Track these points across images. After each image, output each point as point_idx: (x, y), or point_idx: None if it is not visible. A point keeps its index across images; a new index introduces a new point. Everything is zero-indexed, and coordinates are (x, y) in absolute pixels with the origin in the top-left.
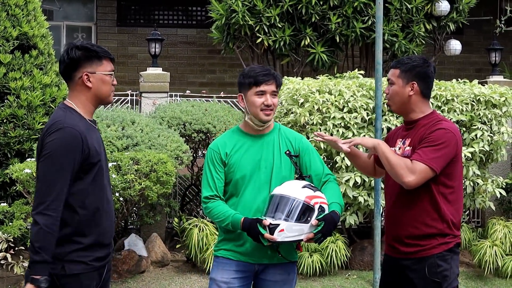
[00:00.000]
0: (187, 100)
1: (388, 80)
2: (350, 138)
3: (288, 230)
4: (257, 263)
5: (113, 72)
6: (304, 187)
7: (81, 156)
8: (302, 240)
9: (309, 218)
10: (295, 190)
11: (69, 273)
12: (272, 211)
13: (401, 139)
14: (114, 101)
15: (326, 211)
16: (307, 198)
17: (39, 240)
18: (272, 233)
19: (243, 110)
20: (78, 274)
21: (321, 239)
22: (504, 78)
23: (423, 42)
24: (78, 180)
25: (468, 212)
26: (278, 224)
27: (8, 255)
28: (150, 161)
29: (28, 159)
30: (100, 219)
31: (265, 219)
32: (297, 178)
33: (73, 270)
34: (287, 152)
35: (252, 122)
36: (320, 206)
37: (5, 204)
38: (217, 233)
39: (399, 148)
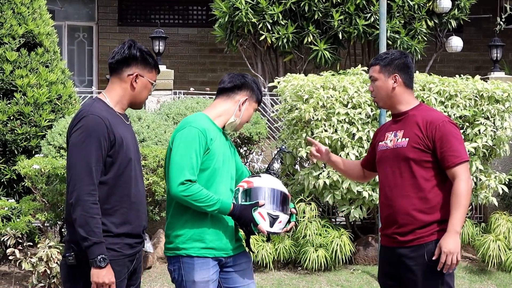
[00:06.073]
0: (191, 97)
1: (370, 77)
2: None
3: (283, 222)
4: (230, 255)
5: (155, 83)
6: (280, 180)
7: (108, 142)
8: (282, 231)
9: (289, 208)
10: (279, 184)
11: None
12: (269, 203)
13: (391, 132)
14: None
15: None
16: (286, 190)
17: (82, 225)
18: (272, 224)
19: (234, 110)
20: (109, 260)
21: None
22: (505, 74)
23: (425, 39)
24: (106, 169)
25: (470, 207)
26: (278, 216)
27: (16, 251)
28: (157, 156)
29: (36, 155)
30: (129, 209)
31: (260, 208)
32: (264, 172)
33: None
34: (281, 148)
35: (231, 124)
36: None
37: (12, 200)
38: None
39: (390, 141)
